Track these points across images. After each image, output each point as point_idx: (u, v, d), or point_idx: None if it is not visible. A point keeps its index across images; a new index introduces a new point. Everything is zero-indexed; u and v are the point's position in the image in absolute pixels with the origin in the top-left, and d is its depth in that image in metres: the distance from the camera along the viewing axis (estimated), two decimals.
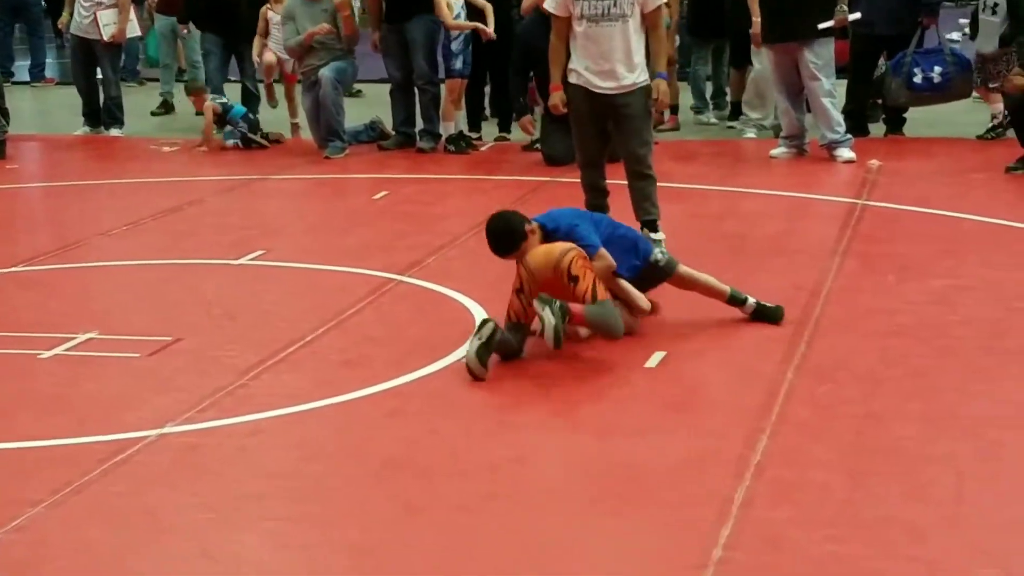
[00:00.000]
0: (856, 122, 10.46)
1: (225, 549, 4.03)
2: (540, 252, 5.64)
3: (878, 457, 4.56)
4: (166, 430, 4.93)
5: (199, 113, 12.65)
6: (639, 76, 7.01)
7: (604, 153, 7.31)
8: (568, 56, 7.09)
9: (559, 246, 5.64)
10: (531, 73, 10.15)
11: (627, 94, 7.01)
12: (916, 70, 10.13)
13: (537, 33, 9.72)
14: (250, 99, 11.72)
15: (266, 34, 11.46)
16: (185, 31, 12.80)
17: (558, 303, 5.49)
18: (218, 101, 11.14)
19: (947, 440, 4.68)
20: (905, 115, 10.77)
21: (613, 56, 6.96)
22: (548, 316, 5.45)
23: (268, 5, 11.46)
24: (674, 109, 11.52)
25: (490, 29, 10.42)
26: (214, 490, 4.45)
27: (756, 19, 10.06)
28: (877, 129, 10.91)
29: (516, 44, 10.24)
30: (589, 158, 7.26)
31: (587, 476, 4.49)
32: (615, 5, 6.88)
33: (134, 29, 12.20)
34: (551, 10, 7.11)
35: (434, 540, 4.04)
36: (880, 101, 10.81)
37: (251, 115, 11.22)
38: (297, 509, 4.31)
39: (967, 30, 11.33)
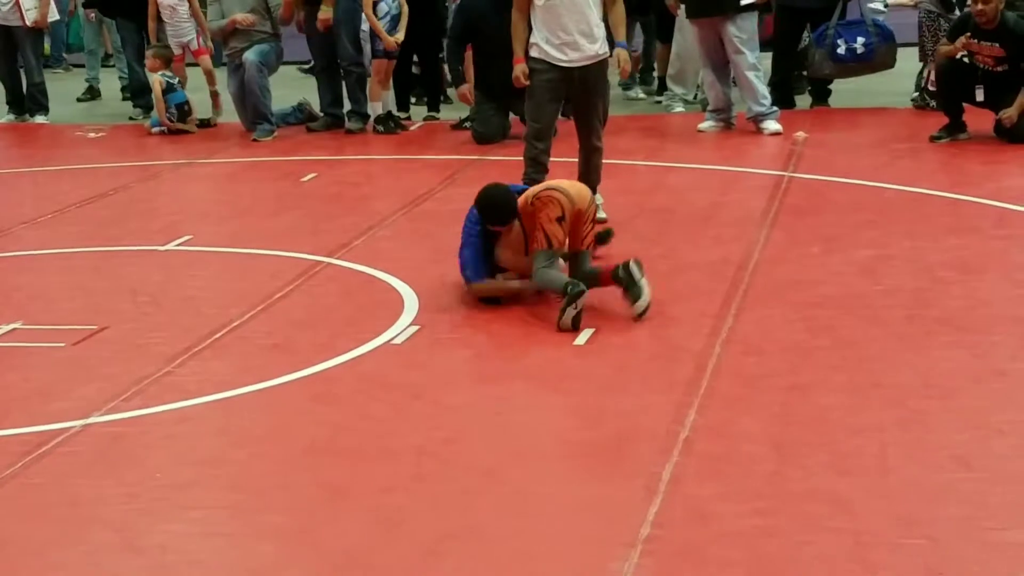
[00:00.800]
0: (782, 94, 10.53)
1: (151, 540, 3.99)
2: (575, 186, 6.19)
3: (804, 429, 4.60)
4: (91, 420, 4.87)
5: (126, 98, 12.51)
6: (601, 48, 7.06)
7: (554, 128, 7.34)
8: (529, 30, 7.09)
9: (587, 189, 6.23)
10: (466, 44, 10.13)
11: (589, 66, 7.05)
12: (839, 41, 10.19)
13: (480, 6, 9.72)
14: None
15: (158, 18, 11.19)
16: (91, 16, 12.59)
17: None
18: (165, 77, 10.89)
19: (872, 410, 4.73)
20: (830, 87, 10.85)
21: (574, 28, 6.98)
22: (647, 292, 5.80)
23: None
24: None
25: (397, 37, 10.30)
26: (139, 480, 4.40)
27: None
28: (803, 101, 10.97)
29: (457, 13, 10.20)
30: (540, 132, 7.23)
31: (515, 455, 4.50)
32: None
33: (53, 12, 11.97)
34: None
35: (361, 523, 4.03)
36: (805, 73, 10.88)
37: (186, 105, 10.99)
38: (224, 497, 4.29)
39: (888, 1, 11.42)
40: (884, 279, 6.26)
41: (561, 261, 6.00)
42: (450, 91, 11.45)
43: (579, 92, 7.16)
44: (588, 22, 6.99)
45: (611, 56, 7.16)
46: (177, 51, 11.22)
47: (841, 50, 10.17)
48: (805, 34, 10.63)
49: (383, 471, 4.38)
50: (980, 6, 8.87)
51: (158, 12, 11.16)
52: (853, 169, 8.51)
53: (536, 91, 7.16)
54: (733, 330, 5.59)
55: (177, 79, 10.98)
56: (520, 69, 7.10)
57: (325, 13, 10.35)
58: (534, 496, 4.17)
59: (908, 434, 4.53)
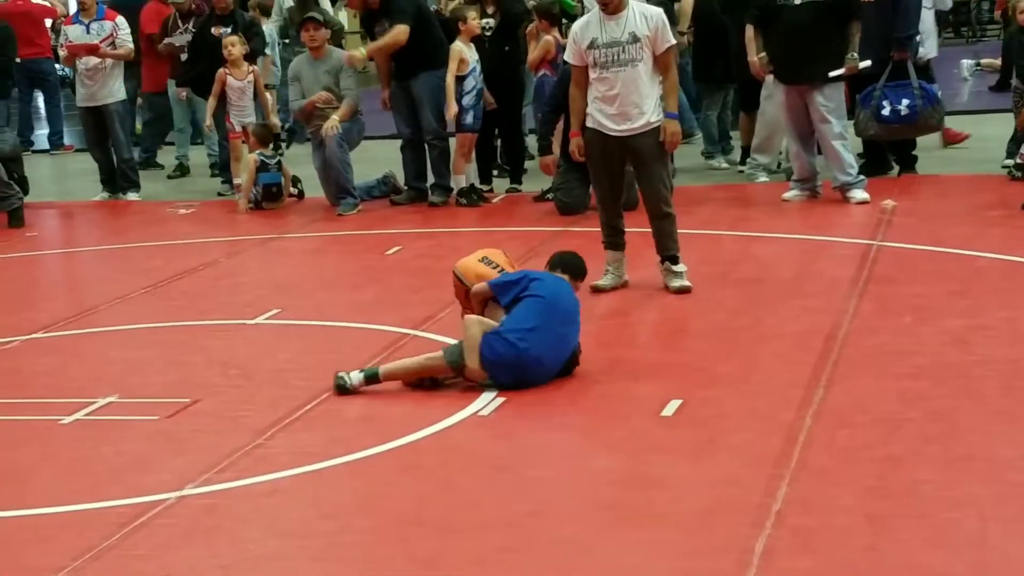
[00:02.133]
0: (879, 157, 10.48)
1: None
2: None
3: (899, 502, 4.53)
4: (185, 492, 4.93)
5: (214, 175, 12.76)
6: (652, 116, 7.22)
7: (619, 193, 7.55)
8: (586, 103, 7.33)
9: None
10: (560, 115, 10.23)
11: (639, 135, 7.23)
12: (884, 103, 10.10)
13: None
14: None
15: (220, 96, 11.45)
16: (183, 95, 12.91)
17: None
18: (262, 156, 11.11)
19: (969, 483, 4.64)
20: (915, 152, 10.75)
21: (624, 99, 7.20)
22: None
23: (224, 68, 11.40)
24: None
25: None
26: (232, 551, 4.44)
27: (752, 58, 10.08)
28: None
29: (559, 85, 10.27)
30: (603, 197, 7.55)
31: (604, 528, 4.47)
32: (624, 51, 7.13)
33: (119, 93, 12.15)
34: (568, 60, 7.41)
35: None
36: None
37: (275, 188, 11.16)
38: (315, 568, 4.31)
39: (980, 62, 11.32)
40: (977, 349, 6.16)
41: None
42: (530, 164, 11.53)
43: (635, 160, 7.31)
44: (640, 92, 7.19)
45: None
46: (238, 128, 11.47)
47: (885, 111, 10.09)
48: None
49: (472, 543, 4.38)
50: None
51: (223, 92, 11.42)
52: (943, 237, 8.41)
53: (592, 159, 7.41)
54: (824, 401, 5.53)
55: (277, 159, 11.18)
56: (576, 143, 7.42)
57: (359, 52, 10.78)
58: (624, 569, 4.14)
59: (1007, 508, 4.43)
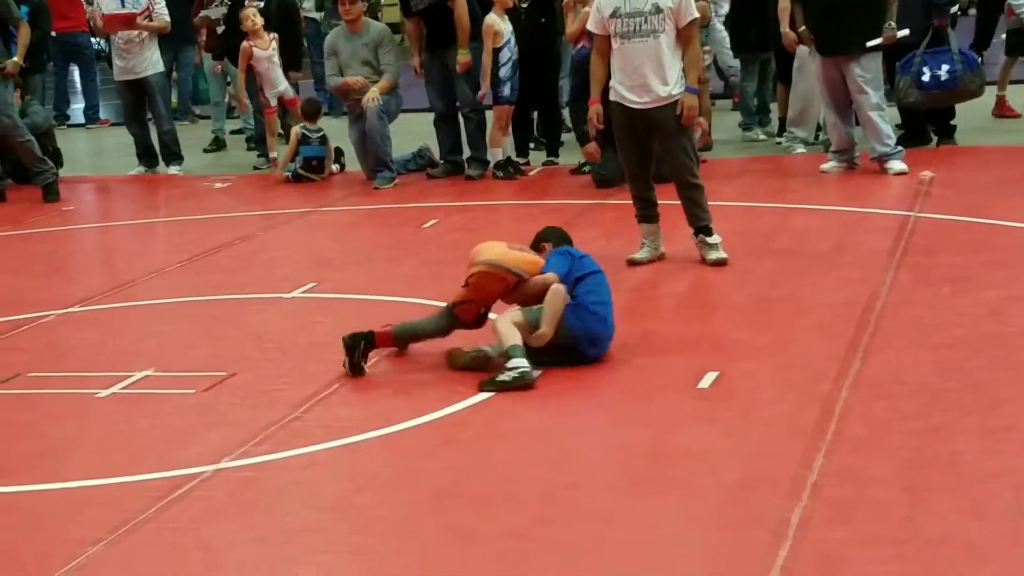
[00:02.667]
0: (916, 128, 10.37)
1: None
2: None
3: (936, 473, 4.50)
4: (222, 465, 4.96)
5: (250, 148, 12.78)
6: (673, 89, 7.18)
7: (647, 166, 7.51)
8: (608, 73, 7.31)
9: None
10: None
11: (661, 108, 7.21)
12: (924, 69, 10.01)
13: None
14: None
15: (249, 69, 11.43)
16: (219, 68, 12.90)
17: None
18: (304, 129, 11.12)
19: (1007, 454, 4.61)
20: (954, 122, 10.64)
21: (644, 71, 7.18)
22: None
23: (248, 40, 11.37)
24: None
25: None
26: (269, 524, 4.47)
27: (785, 29, 10.01)
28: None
29: (575, 72, 10.24)
30: (631, 170, 7.53)
31: (641, 500, 4.47)
32: (646, 22, 7.11)
33: (158, 64, 12.18)
34: (591, 29, 7.39)
35: (488, 568, 4.04)
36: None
37: (315, 161, 11.18)
38: (352, 540, 4.33)
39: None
40: (1015, 320, 6.11)
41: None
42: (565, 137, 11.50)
43: (659, 134, 7.27)
44: (662, 65, 7.13)
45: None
46: (273, 102, 11.48)
47: (926, 77, 9.98)
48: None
49: (508, 515, 4.39)
50: None
51: (248, 65, 11.41)
52: (981, 208, 8.33)
53: (617, 133, 7.40)
54: (860, 373, 5.50)
55: (321, 133, 11.18)
56: (594, 110, 7.38)
57: (464, 56, 10.50)
58: (660, 541, 4.14)
59: None
